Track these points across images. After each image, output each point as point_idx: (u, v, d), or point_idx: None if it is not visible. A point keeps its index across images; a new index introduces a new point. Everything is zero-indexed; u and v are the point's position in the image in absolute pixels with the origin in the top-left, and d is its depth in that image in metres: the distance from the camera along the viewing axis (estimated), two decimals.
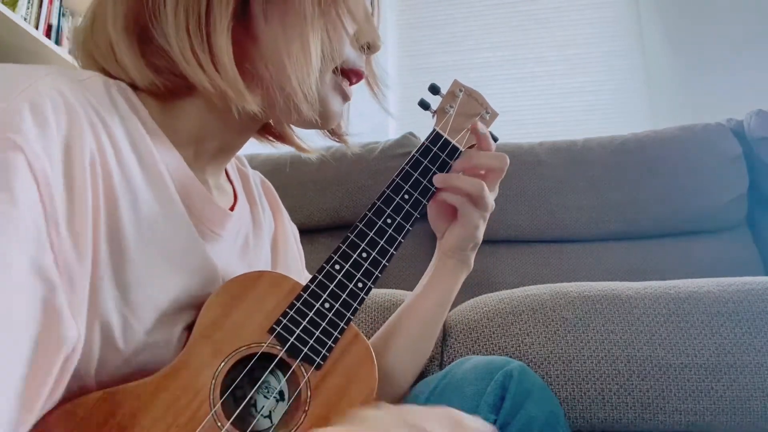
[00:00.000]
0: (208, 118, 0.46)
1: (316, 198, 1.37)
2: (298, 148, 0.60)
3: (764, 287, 0.70)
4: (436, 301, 0.62)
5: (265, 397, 0.46)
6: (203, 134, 0.47)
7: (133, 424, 0.38)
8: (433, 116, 0.61)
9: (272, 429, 0.45)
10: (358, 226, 0.52)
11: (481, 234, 0.60)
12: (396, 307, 0.64)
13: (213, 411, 0.40)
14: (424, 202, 0.55)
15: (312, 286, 0.48)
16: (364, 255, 0.51)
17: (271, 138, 0.58)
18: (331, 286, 0.48)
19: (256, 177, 0.64)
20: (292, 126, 0.57)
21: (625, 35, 2.34)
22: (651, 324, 0.69)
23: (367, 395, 0.46)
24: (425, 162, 0.57)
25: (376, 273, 0.50)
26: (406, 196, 0.55)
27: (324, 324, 0.47)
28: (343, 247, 0.50)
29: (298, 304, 0.46)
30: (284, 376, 0.46)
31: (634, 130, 1.47)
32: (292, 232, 0.67)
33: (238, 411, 0.42)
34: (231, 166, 0.58)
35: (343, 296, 0.48)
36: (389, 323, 0.63)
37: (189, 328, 0.43)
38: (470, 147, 0.60)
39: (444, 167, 0.57)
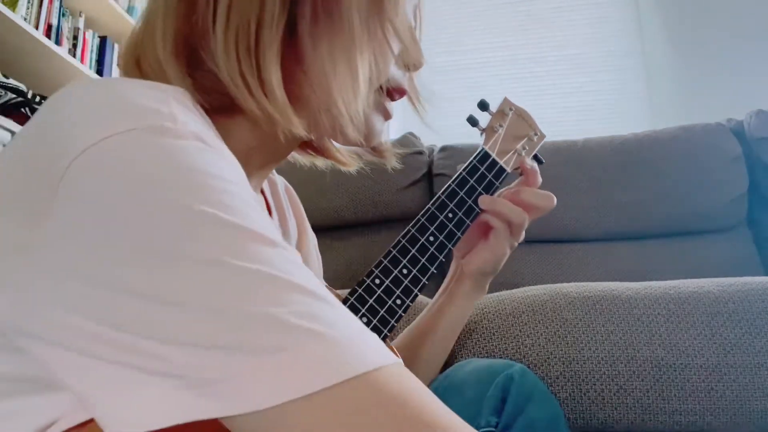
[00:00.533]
0: (253, 137, 0.46)
1: (316, 198, 1.37)
2: (338, 161, 0.59)
3: (764, 287, 0.70)
4: (451, 325, 0.62)
5: None
6: (248, 152, 0.46)
7: None
8: (482, 134, 0.59)
9: None
10: (401, 241, 0.51)
11: (503, 262, 0.59)
12: (416, 313, 0.64)
13: None
14: (468, 222, 0.54)
15: (351, 299, 0.47)
16: (405, 271, 0.50)
17: (311, 152, 0.58)
18: (371, 301, 0.47)
19: (281, 183, 0.64)
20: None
21: (625, 35, 2.34)
22: (651, 324, 0.69)
23: None
24: (471, 181, 0.56)
25: (415, 291, 0.49)
26: (450, 215, 0.54)
27: None
28: (385, 262, 0.49)
29: None
30: None
31: (634, 130, 1.47)
32: (312, 239, 0.66)
33: None
34: None
35: (382, 312, 0.47)
36: (404, 345, 0.63)
37: None
38: (516, 169, 0.59)
39: (490, 188, 0.56)
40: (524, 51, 2.39)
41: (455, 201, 0.54)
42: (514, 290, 0.79)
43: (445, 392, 0.55)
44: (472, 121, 0.60)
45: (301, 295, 0.26)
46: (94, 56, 2.27)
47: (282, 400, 0.23)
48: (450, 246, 0.52)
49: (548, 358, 0.69)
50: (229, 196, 0.28)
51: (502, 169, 0.57)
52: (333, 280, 0.68)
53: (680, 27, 2.21)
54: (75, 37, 2.15)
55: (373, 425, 0.24)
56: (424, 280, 0.50)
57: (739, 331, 0.67)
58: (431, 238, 0.52)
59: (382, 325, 0.47)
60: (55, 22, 1.99)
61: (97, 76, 2.18)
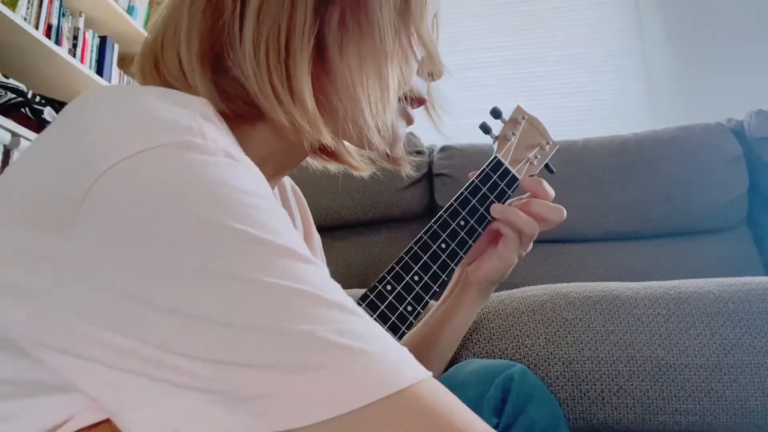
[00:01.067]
0: (273, 144, 0.45)
1: (316, 198, 1.37)
2: (351, 166, 0.58)
3: (764, 287, 0.70)
4: (455, 331, 0.62)
5: None
6: (266, 158, 0.46)
7: None
8: (494, 142, 0.60)
9: None
10: (414, 248, 0.51)
11: (509, 271, 0.59)
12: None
13: None
14: (480, 230, 0.54)
15: (363, 305, 0.47)
16: (416, 278, 0.49)
17: (325, 157, 0.57)
18: (382, 307, 0.47)
19: (288, 183, 0.64)
20: (347, 144, 0.56)
21: (625, 35, 2.34)
22: (651, 324, 0.69)
23: None
24: (484, 189, 0.56)
25: (426, 297, 0.49)
26: (462, 223, 0.54)
27: None
28: (397, 268, 0.49)
29: None
30: None
31: (634, 130, 1.47)
32: (317, 240, 0.66)
33: None
34: None
35: (393, 318, 0.47)
36: (416, 346, 0.62)
37: None
38: (530, 176, 0.60)
39: (502, 196, 0.56)
40: (524, 51, 2.39)
41: (468, 209, 0.54)
42: (514, 290, 0.80)
43: None
44: (485, 129, 0.60)
45: (336, 311, 0.26)
46: (94, 56, 2.27)
47: (322, 417, 0.23)
48: (462, 254, 0.52)
49: (548, 358, 0.69)
50: (260, 211, 0.28)
51: (514, 178, 0.58)
52: (333, 280, 0.68)
53: (680, 27, 2.21)
54: (75, 37, 2.15)
55: None
56: (435, 287, 0.50)
57: (739, 331, 0.67)
58: (443, 246, 0.52)
59: (393, 332, 0.47)
60: (55, 22, 1.99)
61: (97, 77, 2.18)
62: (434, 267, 0.50)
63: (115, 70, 2.38)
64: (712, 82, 2.10)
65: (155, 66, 0.43)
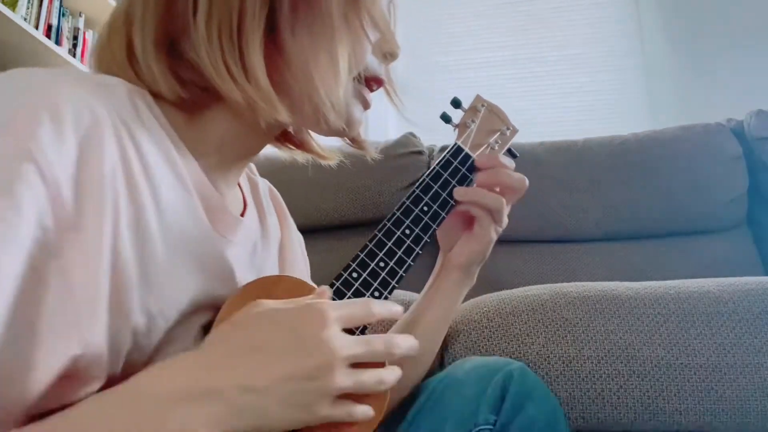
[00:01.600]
0: (231, 127, 0.47)
1: (317, 198, 1.37)
2: (317, 155, 0.60)
3: (764, 287, 0.70)
4: (440, 315, 0.62)
5: None
6: (226, 143, 0.47)
7: None
8: (455, 130, 0.61)
9: None
10: (377, 235, 0.52)
11: (490, 249, 0.60)
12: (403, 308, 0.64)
13: None
14: (443, 214, 0.56)
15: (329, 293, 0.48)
16: (382, 264, 0.51)
17: (290, 146, 0.59)
18: (348, 294, 0.48)
19: (264, 185, 0.64)
20: (312, 133, 0.58)
21: (625, 35, 2.34)
22: (651, 324, 0.69)
23: (378, 405, 0.46)
24: (445, 175, 0.57)
25: (393, 283, 0.50)
26: (426, 208, 0.55)
27: None
28: (362, 256, 0.50)
29: None
30: None
31: (634, 130, 1.47)
32: (298, 240, 0.67)
33: None
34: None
35: None
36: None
37: (205, 327, 0.44)
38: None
39: (464, 181, 0.58)
40: (524, 51, 2.39)
41: (430, 194, 0.56)
42: (514, 290, 0.80)
43: (444, 390, 0.55)
44: (446, 118, 0.61)
45: None
46: None
47: None
48: (426, 238, 0.54)
49: (548, 357, 0.69)
50: None
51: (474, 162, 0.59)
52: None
53: (680, 27, 2.21)
54: (75, 37, 2.15)
55: None
56: (401, 272, 0.51)
57: (739, 331, 0.67)
58: (407, 231, 0.53)
59: None
60: (55, 22, 1.99)
61: None
62: (399, 252, 0.52)
63: None
64: (712, 82, 2.10)
65: (102, 58, 0.45)
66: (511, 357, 0.69)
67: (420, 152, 1.43)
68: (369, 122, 1.86)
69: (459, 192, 0.56)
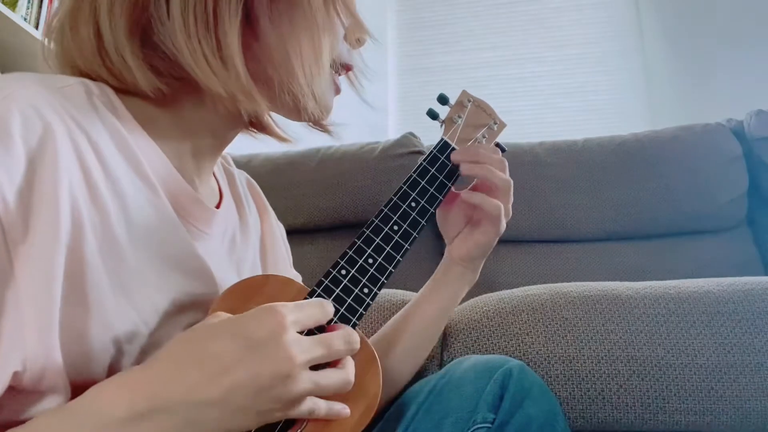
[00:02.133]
0: (205, 117, 0.46)
1: (316, 198, 1.37)
2: (279, 138, 0.59)
3: (764, 287, 0.70)
4: (440, 307, 0.62)
5: None
6: (200, 133, 0.47)
7: None
8: (442, 125, 0.61)
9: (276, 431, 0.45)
10: (365, 232, 0.52)
11: (494, 243, 0.60)
12: (397, 308, 0.64)
13: None
14: (431, 210, 0.56)
15: (318, 290, 0.48)
16: (371, 261, 0.51)
17: (253, 130, 0.58)
18: (337, 291, 0.48)
19: (242, 176, 0.64)
20: (273, 116, 0.57)
21: (624, 35, 2.34)
22: (651, 324, 0.69)
23: (370, 402, 0.46)
24: (432, 170, 0.57)
25: (382, 279, 0.50)
26: (413, 204, 0.55)
27: None
28: (350, 253, 0.50)
29: None
30: None
31: (634, 130, 1.47)
32: (279, 231, 0.67)
33: None
34: (216, 164, 0.58)
35: (349, 301, 0.48)
36: (392, 327, 0.63)
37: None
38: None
39: (451, 176, 0.58)
40: (524, 51, 2.39)
41: (417, 190, 0.56)
42: (514, 289, 0.79)
43: (443, 389, 0.55)
44: (432, 115, 0.62)
45: None
46: None
47: None
48: (415, 234, 0.54)
49: (548, 357, 0.69)
50: None
51: None
52: None
53: (680, 27, 2.21)
54: None
55: None
56: (390, 268, 0.51)
57: (739, 331, 0.67)
58: (395, 227, 0.53)
59: (350, 314, 0.48)
60: None
61: None
62: (387, 248, 0.52)
63: None
64: (712, 82, 2.10)
65: (64, 51, 0.44)
66: (510, 356, 0.69)
67: (420, 152, 1.43)
68: (369, 122, 1.85)
69: (465, 195, 0.58)
